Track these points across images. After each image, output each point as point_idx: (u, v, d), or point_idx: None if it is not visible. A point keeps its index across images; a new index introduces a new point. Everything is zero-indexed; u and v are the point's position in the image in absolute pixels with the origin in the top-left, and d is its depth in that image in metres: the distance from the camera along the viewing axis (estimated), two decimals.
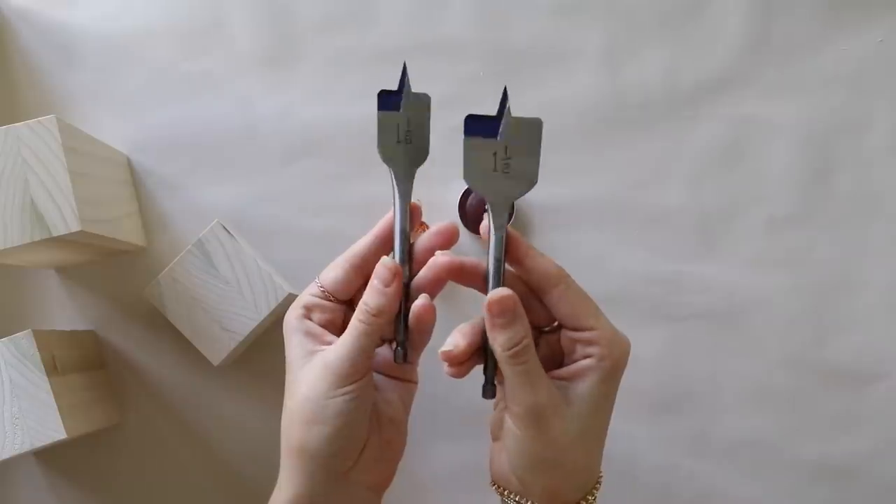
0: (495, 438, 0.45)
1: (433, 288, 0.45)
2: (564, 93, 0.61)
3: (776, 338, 0.60)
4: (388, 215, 0.46)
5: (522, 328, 0.41)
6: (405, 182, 0.45)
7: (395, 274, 0.44)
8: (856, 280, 0.60)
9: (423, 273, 0.45)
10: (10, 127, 0.49)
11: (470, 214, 0.59)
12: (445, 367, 0.43)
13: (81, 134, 0.53)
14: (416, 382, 0.47)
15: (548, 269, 0.43)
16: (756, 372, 0.60)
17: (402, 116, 0.45)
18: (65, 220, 0.48)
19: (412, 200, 0.46)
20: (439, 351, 0.42)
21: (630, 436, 0.60)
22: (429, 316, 0.44)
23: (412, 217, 0.46)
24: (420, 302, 0.44)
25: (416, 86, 0.61)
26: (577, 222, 0.60)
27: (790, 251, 0.60)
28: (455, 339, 0.42)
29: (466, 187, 0.59)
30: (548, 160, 0.61)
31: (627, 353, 0.42)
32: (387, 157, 0.45)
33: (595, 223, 0.60)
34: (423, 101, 0.45)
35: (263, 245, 0.60)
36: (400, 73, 0.44)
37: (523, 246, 0.43)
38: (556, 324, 0.45)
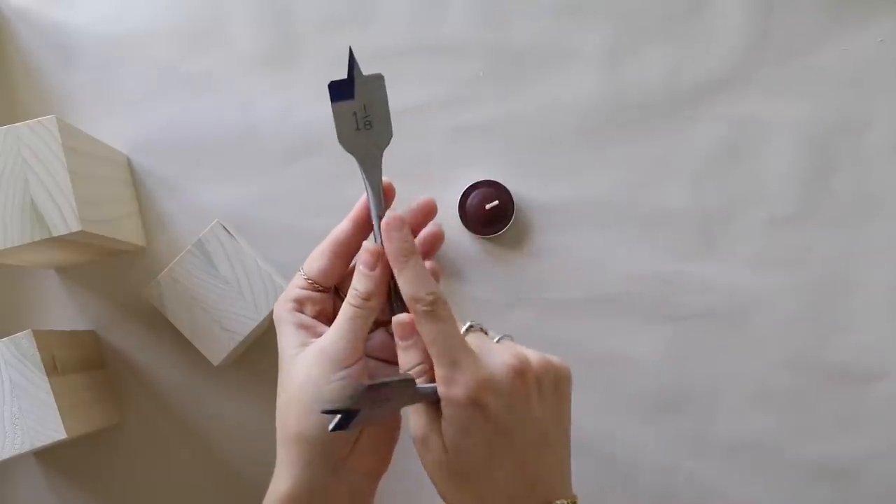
0: None
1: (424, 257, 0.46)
2: (565, 93, 0.61)
3: (776, 338, 0.60)
4: (363, 198, 0.46)
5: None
6: (372, 169, 0.45)
7: (377, 257, 0.44)
8: (856, 280, 0.60)
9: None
10: (10, 127, 0.49)
11: (470, 214, 0.59)
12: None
13: (81, 134, 0.53)
14: None
15: (406, 293, 0.43)
16: (756, 372, 0.60)
17: (357, 103, 0.44)
18: (65, 220, 0.48)
19: (384, 180, 0.46)
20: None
21: (630, 436, 0.60)
22: (434, 278, 0.45)
23: (386, 197, 0.46)
24: (427, 265, 0.45)
25: (416, 86, 0.61)
26: (577, 222, 0.60)
27: (790, 251, 0.60)
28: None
29: (467, 187, 0.59)
30: (548, 160, 0.61)
31: (456, 401, 0.40)
32: (348, 148, 0.45)
33: (595, 223, 0.60)
34: (377, 82, 0.44)
35: (263, 245, 0.60)
36: (348, 60, 0.44)
37: (396, 256, 0.44)
38: None
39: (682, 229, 0.60)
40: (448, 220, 0.59)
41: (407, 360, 0.43)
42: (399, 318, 0.43)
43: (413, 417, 0.43)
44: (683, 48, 0.61)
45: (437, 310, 0.42)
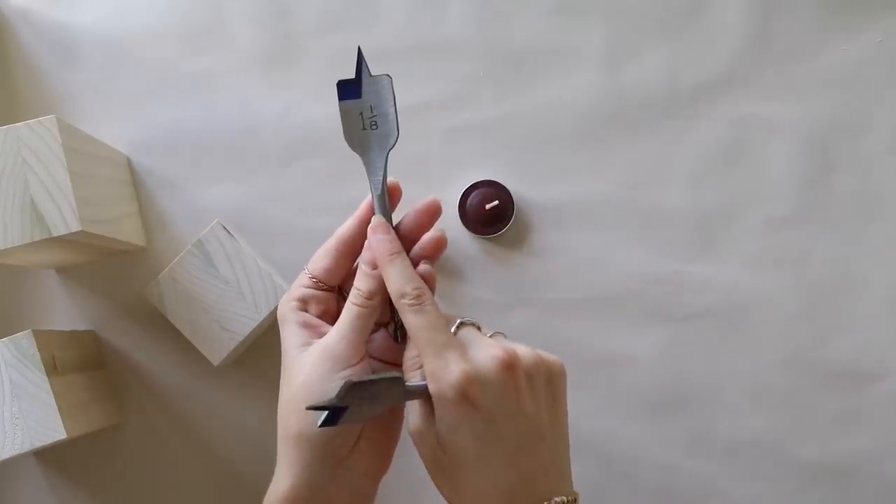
0: None
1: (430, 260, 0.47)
2: (564, 93, 0.61)
3: (776, 338, 0.60)
4: (369, 198, 0.47)
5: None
6: (377, 169, 0.45)
7: None
8: (856, 280, 0.60)
9: (415, 251, 0.46)
10: (10, 127, 0.49)
11: (470, 214, 0.59)
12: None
13: (81, 134, 0.53)
14: None
15: (393, 289, 0.44)
16: (756, 372, 0.60)
17: (363, 103, 0.45)
18: (65, 220, 0.48)
19: (390, 180, 0.46)
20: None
21: (630, 436, 0.60)
22: (430, 280, 0.45)
23: (392, 197, 0.46)
24: (423, 267, 0.45)
25: (416, 86, 0.61)
26: (577, 222, 0.60)
27: (790, 251, 0.60)
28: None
29: (467, 187, 0.59)
30: (548, 160, 0.61)
31: (444, 397, 0.41)
32: (354, 147, 0.45)
33: (595, 223, 0.60)
34: (384, 84, 0.45)
35: (263, 245, 0.60)
36: (356, 60, 0.44)
37: (382, 251, 0.45)
38: None
39: (682, 229, 0.60)
40: (448, 220, 0.59)
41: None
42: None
43: (409, 412, 0.43)
44: (683, 48, 0.61)
45: (421, 303, 0.42)
